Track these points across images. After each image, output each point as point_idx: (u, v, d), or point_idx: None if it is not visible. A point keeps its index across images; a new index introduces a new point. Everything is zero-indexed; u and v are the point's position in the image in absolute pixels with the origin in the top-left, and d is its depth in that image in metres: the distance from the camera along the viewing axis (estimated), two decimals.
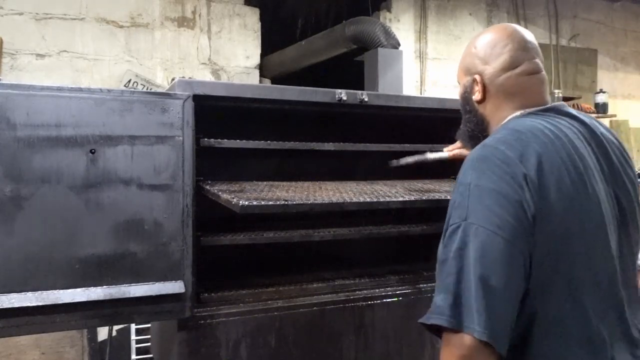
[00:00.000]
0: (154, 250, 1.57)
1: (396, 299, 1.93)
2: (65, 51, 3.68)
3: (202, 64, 4.09)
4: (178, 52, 4.01)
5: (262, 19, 4.32)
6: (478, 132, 1.28)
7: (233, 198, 1.46)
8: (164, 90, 1.92)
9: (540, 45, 1.29)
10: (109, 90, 1.55)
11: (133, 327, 3.22)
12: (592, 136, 1.16)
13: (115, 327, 3.37)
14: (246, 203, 1.38)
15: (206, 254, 1.78)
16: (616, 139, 1.22)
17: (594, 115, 3.99)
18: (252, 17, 4.28)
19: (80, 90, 1.51)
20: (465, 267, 0.96)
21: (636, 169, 1.23)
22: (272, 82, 4.37)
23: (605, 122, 5.31)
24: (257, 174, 2.20)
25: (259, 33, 4.30)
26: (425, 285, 1.99)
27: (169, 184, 1.59)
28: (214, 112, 1.74)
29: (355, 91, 1.94)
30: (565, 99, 5.05)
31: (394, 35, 3.21)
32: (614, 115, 5.56)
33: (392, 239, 2.47)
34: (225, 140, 1.85)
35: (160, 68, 3.94)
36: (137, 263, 1.55)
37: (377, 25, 3.20)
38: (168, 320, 1.75)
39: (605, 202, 1.08)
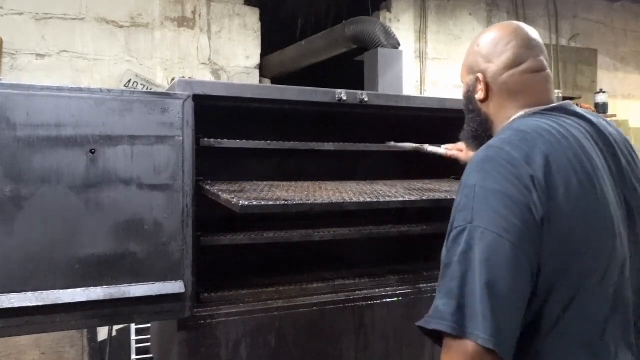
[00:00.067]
0: (154, 250, 1.57)
1: (396, 299, 1.92)
2: (65, 51, 3.68)
3: (202, 64, 4.09)
4: (178, 52, 4.01)
5: (262, 19, 4.32)
6: (482, 132, 1.26)
7: (233, 198, 1.46)
8: (164, 90, 1.92)
9: None
10: (109, 90, 1.55)
11: (133, 327, 3.22)
12: (600, 136, 1.12)
13: (115, 327, 3.37)
14: (246, 203, 1.38)
15: (206, 254, 1.78)
16: (624, 138, 1.18)
17: None
18: (252, 17, 4.28)
19: (80, 90, 1.51)
20: (470, 271, 0.93)
21: None
22: (272, 82, 4.37)
23: None
24: (257, 174, 2.20)
25: (259, 33, 4.30)
26: (425, 285, 1.99)
27: (169, 184, 1.59)
28: (214, 112, 1.74)
29: (355, 91, 1.94)
30: (565, 99, 5.01)
31: (394, 35, 3.21)
32: (614, 116, 5.55)
33: (392, 239, 2.47)
34: (225, 140, 1.85)
35: (160, 68, 3.94)
36: (137, 263, 1.55)
37: (377, 25, 3.20)
38: (168, 320, 1.75)
39: (614, 203, 1.05)
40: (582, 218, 0.99)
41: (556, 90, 5.16)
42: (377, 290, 1.93)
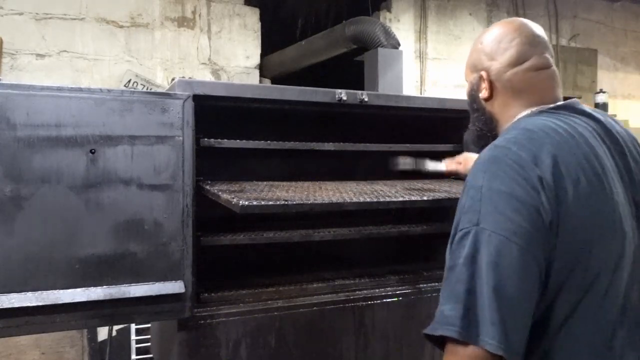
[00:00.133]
0: (154, 250, 1.57)
1: (396, 299, 1.92)
2: (65, 51, 3.68)
3: (202, 64, 4.09)
4: (178, 52, 4.01)
5: (262, 19, 4.32)
6: (487, 132, 1.24)
7: (233, 198, 1.46)
8: (164, 90, 1.92)
9: None
10: (109, 90, 1.54)
11: (133, 327, 3.22)
12: (608, 135, 1.10)
13: (115, 327, 3.37)
14: (246, 203, 1.38)
15: (206, 254, 1.77)
16: (632, 137, 1.16)
17: None
18: (252, 17, 4.28)
19: (80, 90, 1.51)
20: (477, 275, 0.90)
21: None
22: (272, 82, 4.37)
23: None
24: (257, 174, 2.20)
25: (259, 33, 4.30)
26: (425, 285, 1.99)
27: (169, 184, 1.59)
28: (214, 112, 1.73)
29: (355, 91, 1.94)
30: (565, 99, 5.04)
31: (394, 35, 3.21)
32: (614, 116, 5.55)
33: (392, 239, 2.47)
34: (225, 140, 1.85)
35: (160, 68, 3.94)
36: (137, 263, 1.55)
37: (377, 25, 3.20)
38: (168, 320, 1.75)
39: (624, 204, 1.03)
40: (591, 219, 0.97)
41: None
42: (377, 290, 1.93)
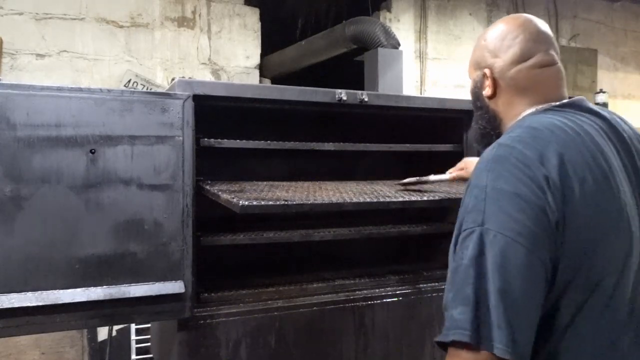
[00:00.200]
0: (154, 250, 1.57)
1: (396, 299, 1.92)
2: (65, 51, 3.68)
3: (202, 64, 4.09)
4: (178, 52, 4.01)
5: (262, 19, 4.32)
6: (490, 130, 1.21)
7: (233, 198, 1.46)
8: (164, 90, 1.92)
9: None
10: (109, 90, 1.54)
11: (133, 327, 3.22)
12: (614, 133, 1.08)
13: (115, 327, 3.37)
14: (246, 203, 1.38)
15: (206, 254, 1.78)
16: (639, 135, 1.13)
17: None
18: (252, 17, 4.28)
19: (80, 90, 1.51)
20: (483, 277, 0.89)
21: None
22: (272, 82, 4.36)
23: None
24: (257, 174, 2.20)
25: (259, 33, 4.30)
26: (425, 285, 1.99)
27: (169, 184, 1.59)
28: (214, 112, 1.74)
29: (355, 91, 1.94)
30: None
31: (394, 35, 3.21)
32: None
33: (392, 239, 2.47)
34: (225, 140, 1.85)
35: (160, 68, 3.94)
36: (137, 263, 1.55)
37: (377, 25, 3.20)
38: (168, 320, 1.75)
39: (631, 203, 1.01)
40: (596, 218, 0.95)
41: None
42: (377, 290, 1.93)
